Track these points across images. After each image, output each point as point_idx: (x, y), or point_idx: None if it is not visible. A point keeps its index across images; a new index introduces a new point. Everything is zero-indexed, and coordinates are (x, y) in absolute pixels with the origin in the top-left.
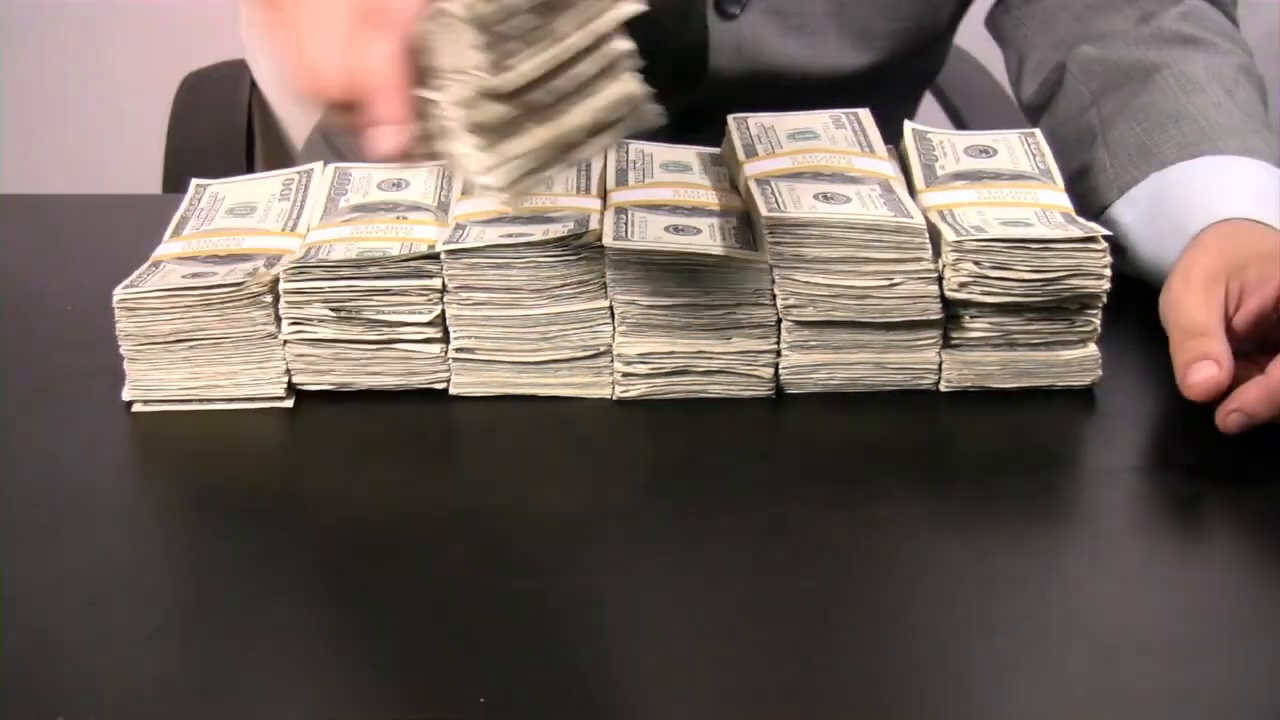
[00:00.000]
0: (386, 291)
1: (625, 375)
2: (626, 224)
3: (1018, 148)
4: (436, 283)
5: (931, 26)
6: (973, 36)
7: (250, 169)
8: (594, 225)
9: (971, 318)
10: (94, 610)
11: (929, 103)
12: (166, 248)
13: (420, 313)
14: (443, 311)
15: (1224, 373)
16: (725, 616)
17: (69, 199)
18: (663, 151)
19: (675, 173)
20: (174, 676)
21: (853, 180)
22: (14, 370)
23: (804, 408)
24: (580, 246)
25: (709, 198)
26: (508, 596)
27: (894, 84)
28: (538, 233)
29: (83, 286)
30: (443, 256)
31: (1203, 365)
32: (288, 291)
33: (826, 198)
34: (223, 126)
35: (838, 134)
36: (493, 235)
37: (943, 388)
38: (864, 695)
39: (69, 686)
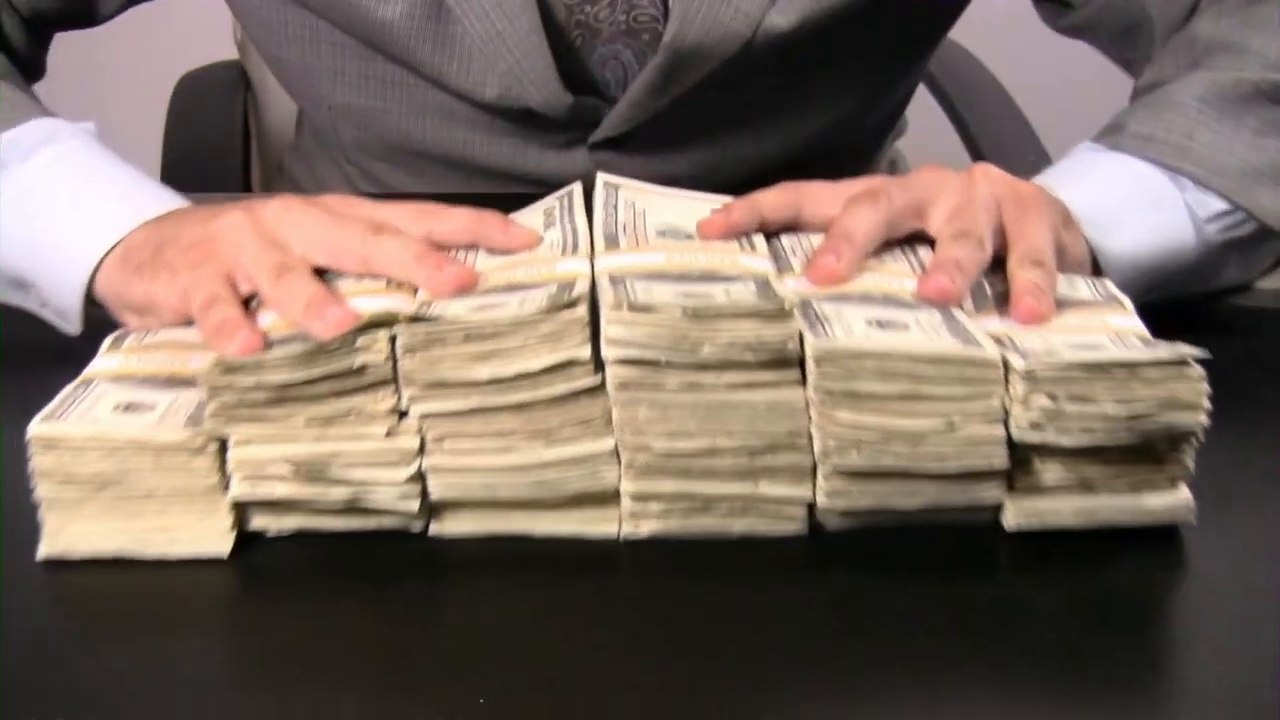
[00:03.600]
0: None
1: (633, 514)
2: (627, 289)
3: (1077, 280)
4: (414, 443)
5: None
6: (974, 37)
7: (246, 169)
8: (580, 289)
9: (1042, 461)
10: (94, 610)
11: (927, 102)
12: (102, 362)
13: (396, 468)
14: (419, 469)
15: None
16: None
17: None
18: (656, 211)
19: (671, 238)
20: (174, 677)
21: (907, 306)
22: (11, 369)
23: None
24: (581, 389)
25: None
26: (508, 597)
27: (839, 155)
28: (513, 302)
29: None
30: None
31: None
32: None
33: (881, 324)
34: (219, 127)
35: (885, 253)
36: (460, 308)
37: (1006, 528)
38: None
39: (69, 686)
